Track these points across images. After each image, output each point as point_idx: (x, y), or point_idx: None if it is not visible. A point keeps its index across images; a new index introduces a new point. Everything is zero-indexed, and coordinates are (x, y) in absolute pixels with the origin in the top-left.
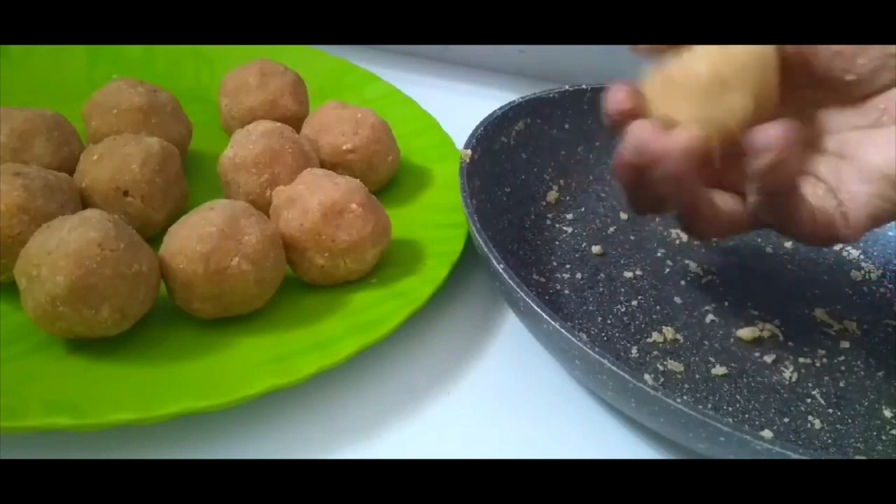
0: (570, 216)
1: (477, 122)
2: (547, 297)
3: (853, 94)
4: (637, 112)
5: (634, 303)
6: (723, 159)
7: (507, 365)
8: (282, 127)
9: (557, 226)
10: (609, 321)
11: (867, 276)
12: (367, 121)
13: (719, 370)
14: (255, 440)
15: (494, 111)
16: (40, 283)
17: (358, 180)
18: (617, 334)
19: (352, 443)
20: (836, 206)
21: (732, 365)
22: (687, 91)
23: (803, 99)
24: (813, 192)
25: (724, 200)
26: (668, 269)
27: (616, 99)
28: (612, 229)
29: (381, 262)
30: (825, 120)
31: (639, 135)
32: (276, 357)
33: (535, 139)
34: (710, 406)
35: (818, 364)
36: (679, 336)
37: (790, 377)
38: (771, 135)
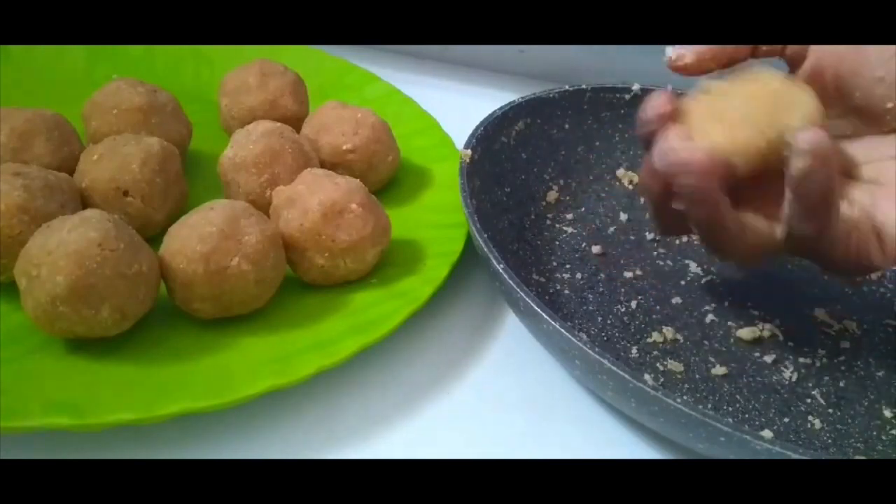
0: (570, 216)
1: (477, 122)
2: (547, 297)
3: (891, 123)
4: (674, 120)
5: (634, 303)
6: (754, 181)
7: (507, 365)
8: (282, 127)
9: (557, 226)
10: (609, 321)
11: (867, 276)
12: (367, 121)
13: (719, 370)
14: (255, 440)
15: (494, 111)
16: (40, 283)
17: (358, 180)
18: (617, 334)
19: (352, 443)
20: (872, 229)
21: (732, 365)
22: (733, 115)
23: (841, 129)
24: (850, 211)
25: (754, 219)
26: (668, 269)
27: (657, 103)
28: (612, 229)
29: (381, 262)
30: (862, 150)
31: (671, 140)
32: (276, 357)
33: (535, 139)
34: (710, 406)
35: (818, 364)
36: (679, 336)
37: (790, 377)
38: (811, 137)
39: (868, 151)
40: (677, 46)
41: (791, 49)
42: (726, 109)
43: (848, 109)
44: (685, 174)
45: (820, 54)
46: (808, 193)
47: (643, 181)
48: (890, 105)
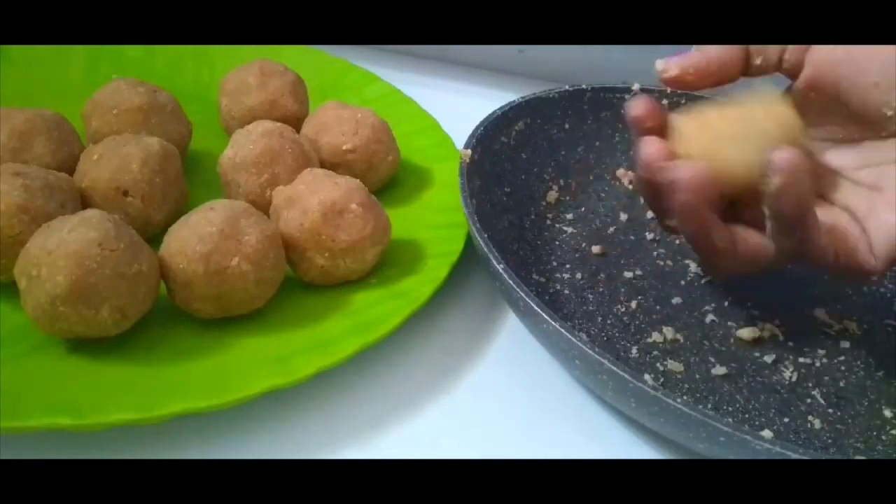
0: (570, 216)
1: (477, 122)
2: (547, 297)
3: (889, 128)
4: (652, 127)
5: (634, 303)
6: (743, 196)
7: (507, 365)
8: (282, 127)
9: (557, 226)
10: (609, 321)
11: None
12: (367, 121)
13: (719, 370)
14: (255, 440)
15: (494, 111)
16: (40, 283)
17: (358, 180)
18: (617, 334)
19: (352, 443)
20: (861, 234)
21: (732, 365)
22: (719, 135)
23: (840, 134)
24: (835, 221)
25: (746, 234)
26: (668, 269)
27: (636, 108)
28: (612, 229)
29: (381, 262)
30: (861, 154)
31: (649, 151)
32: (276, 357)
33: (535, 139)
34: (710, 406)
35: (818, 364)
36: (679, 336)
37: (790, 377)
38: (785, 157)
39: (867, 155)
40: (667, 58)
41: (787, 62)
42: (712, 131)
43: (848, 116)
44: (671, 192)
45: (817, 64)
46: (783, 210)
47: (637, 182)
48: (888, 112)
